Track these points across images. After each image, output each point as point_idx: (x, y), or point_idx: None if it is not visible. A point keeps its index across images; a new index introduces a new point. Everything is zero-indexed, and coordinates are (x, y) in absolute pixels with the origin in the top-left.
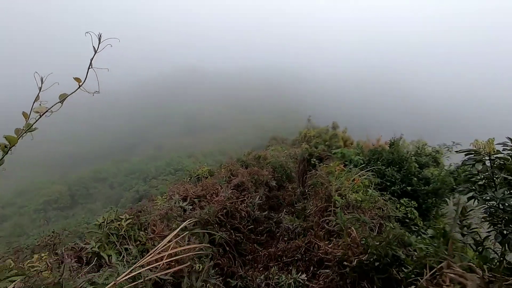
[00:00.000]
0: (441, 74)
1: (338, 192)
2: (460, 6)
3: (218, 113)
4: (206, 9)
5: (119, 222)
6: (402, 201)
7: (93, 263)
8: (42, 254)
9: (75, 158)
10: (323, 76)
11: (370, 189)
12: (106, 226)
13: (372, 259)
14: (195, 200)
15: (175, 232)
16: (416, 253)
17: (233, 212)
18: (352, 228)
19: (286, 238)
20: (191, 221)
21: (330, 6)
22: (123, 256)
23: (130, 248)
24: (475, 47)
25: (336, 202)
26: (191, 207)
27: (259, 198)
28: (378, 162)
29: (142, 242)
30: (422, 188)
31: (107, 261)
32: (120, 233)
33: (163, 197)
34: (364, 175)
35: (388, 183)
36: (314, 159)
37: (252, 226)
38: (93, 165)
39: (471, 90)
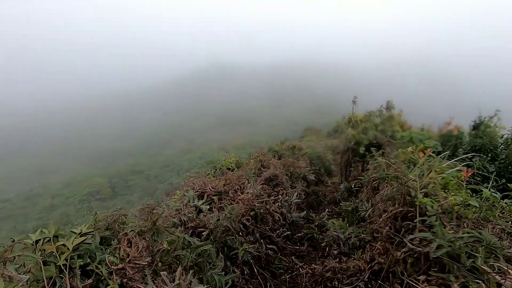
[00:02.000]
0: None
1: (424, 191)
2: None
3: (250, 107)
4: (239, 4)
5: (62, 242)
6: (503, 203)
7: None
8: None
9: (116, 152)
10: (360, 70)
11: (473, 187)
12: (41, 250)
13: None
14: (214, 197)
15: None
16: None
17: (263, 214)
18: (508, 268)
19: (336, 252)
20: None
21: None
22: None
23: None
24: None
25: (427, 207)
26: (208, 206)
27: (297, 196)
28: (460, 149)
29: (102, 277)
30: None
31: None
32: (58, 263)
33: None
34: (454, 167)
35: (478, 178)
36: (363, 148)
37: (289, 232)
38: (131, 159)
39: None
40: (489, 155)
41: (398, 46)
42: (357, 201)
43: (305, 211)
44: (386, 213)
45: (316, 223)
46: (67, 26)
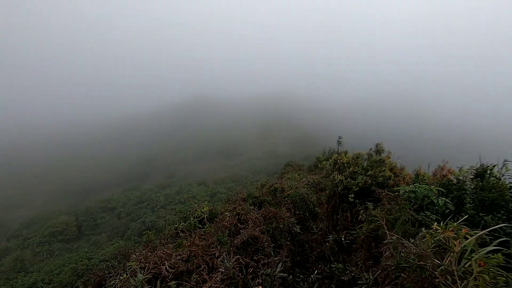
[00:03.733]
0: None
1: None
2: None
3: (232, 139)
4: (221, 39)
5: None
6: None
7: None
8: None
9: (88, 186)
10: (339, 104)
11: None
12: None
13: None
14: (171, 283)
15: None
16: None
17: None
18: None
19: None
20: None
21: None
22: None
23: None
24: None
25: None
26: None
27: (281, 266)
28: (468, 204)
29: None
30: None
31: None
32: None
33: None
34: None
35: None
36: (352, 195)
37: None
38: (104, 194)
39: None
40: (501, 211)
41: (377, 87)
42: (353, 268)
43: (291, 276)
44: None
45: None
46: (43, 51)
